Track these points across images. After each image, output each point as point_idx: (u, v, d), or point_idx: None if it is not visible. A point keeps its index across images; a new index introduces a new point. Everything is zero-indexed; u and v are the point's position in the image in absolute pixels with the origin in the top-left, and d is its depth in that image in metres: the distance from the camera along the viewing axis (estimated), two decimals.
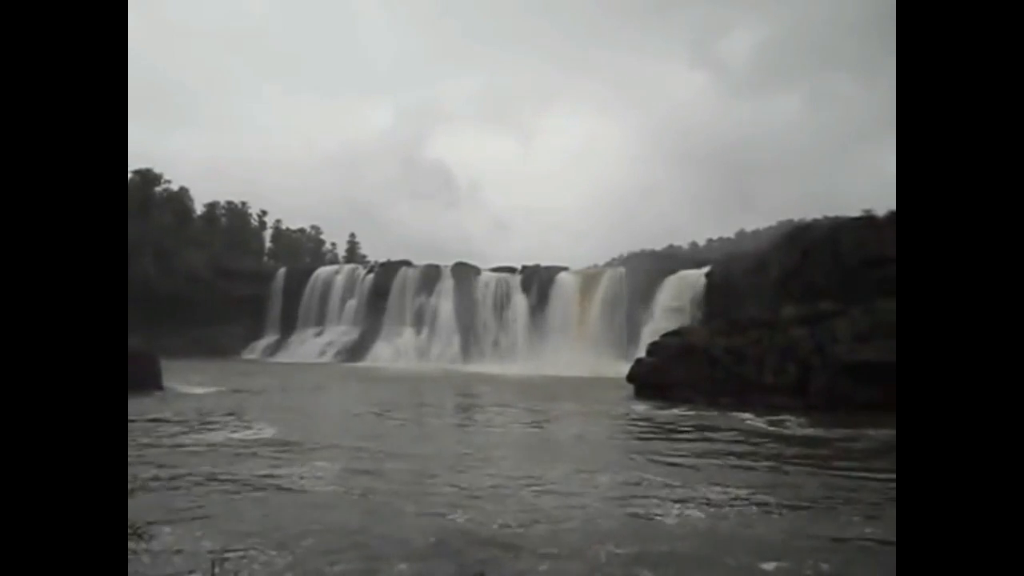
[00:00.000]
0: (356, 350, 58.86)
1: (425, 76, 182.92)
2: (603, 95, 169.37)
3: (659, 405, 24.39)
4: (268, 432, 16.23)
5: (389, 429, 18.11)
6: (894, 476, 12.85)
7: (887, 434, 16.66)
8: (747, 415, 21.14)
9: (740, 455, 14.43)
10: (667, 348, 28.49)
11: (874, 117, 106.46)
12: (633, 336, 44.06)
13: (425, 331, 58.29)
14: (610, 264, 61.74)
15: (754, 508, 9.89)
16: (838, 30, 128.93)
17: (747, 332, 26.76)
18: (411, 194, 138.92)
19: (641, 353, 31.03)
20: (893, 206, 33.46)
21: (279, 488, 10.62)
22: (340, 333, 62.01)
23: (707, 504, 10.01)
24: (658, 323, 40.42)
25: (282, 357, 58.42)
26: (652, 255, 60.24)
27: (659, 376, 27.34)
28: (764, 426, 19.10)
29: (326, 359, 57.47)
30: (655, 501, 10.13)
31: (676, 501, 10.12)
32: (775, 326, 25.94)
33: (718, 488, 10.99)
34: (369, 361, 55.69)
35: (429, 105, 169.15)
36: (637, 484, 11.39)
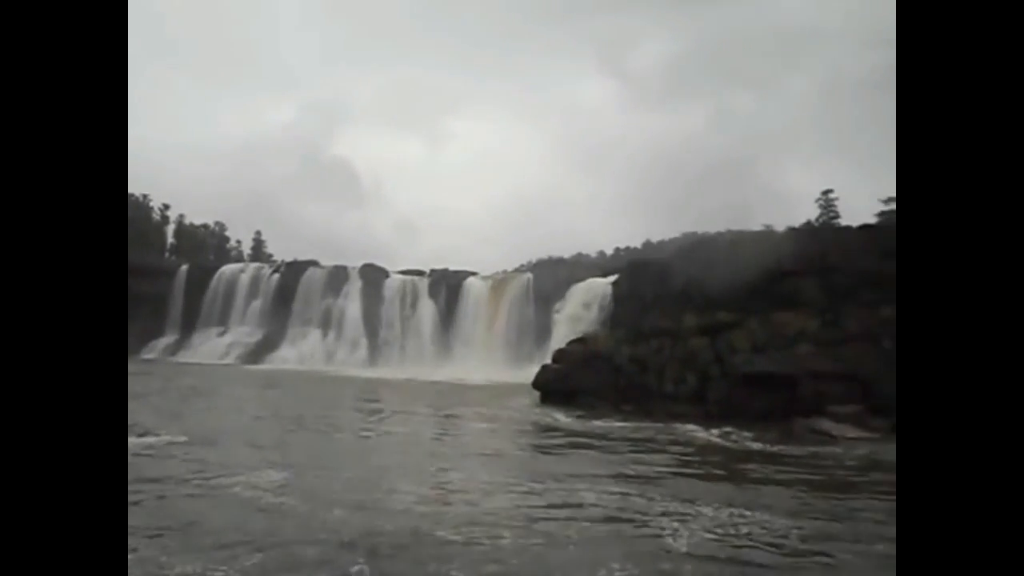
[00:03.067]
0: (260, 351, 56.75)
1: (332, 72, 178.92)
2: (512, 100, 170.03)
3: (563, 412, 23.85)
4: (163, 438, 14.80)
5: (287, 438, 16.73)
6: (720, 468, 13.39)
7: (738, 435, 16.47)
8: (646, 423, 20.80)
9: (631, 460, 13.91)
10: (572, 355, 28.18)
11: (774, 135, 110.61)
12: (540, 343, 43.77)
13: (332, 334, 56.47)
14: (518, 270, 61.27)
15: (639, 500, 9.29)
16: (741, 49, 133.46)
17: (650, 341, 26.61)
18: (316, 192, 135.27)
19: (548, 359, 30.53)
20: (791, 221, 34.25)
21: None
22: (244, 333, 59.56)
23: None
24: (565, 330, 40.06)
25: (183, 357, 55.67)
26: (560, 262, 60.39)
27: (564, 383, 26.99)
28: (662, 436, 18.70)
29: (229, 360, 55.23)
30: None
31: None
32: (677, 336, 25.83)
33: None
34: (274, 363, 53.77)
35: (335, 101, 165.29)
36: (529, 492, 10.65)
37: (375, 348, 54.40)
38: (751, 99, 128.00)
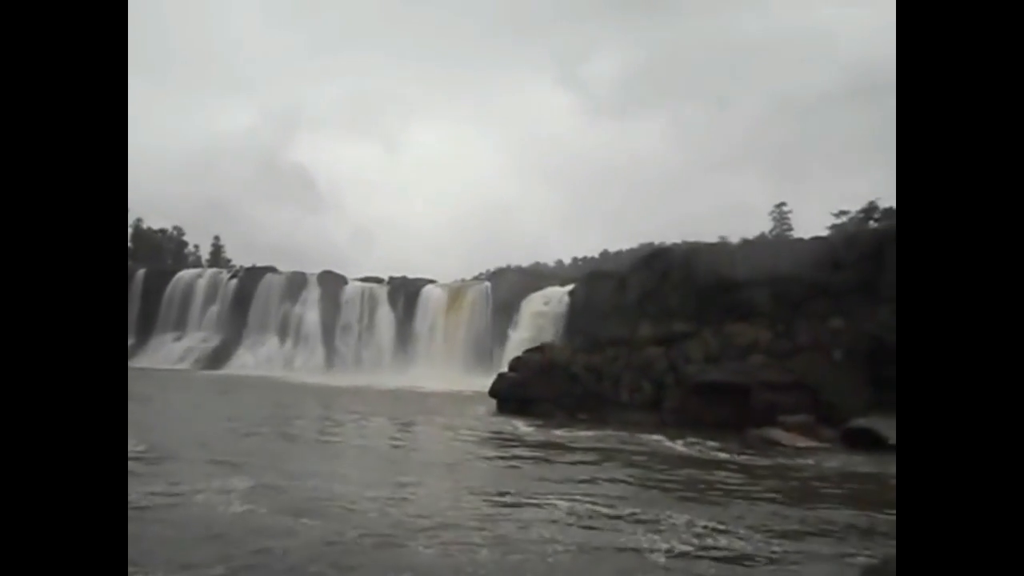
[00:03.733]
0: (217, 357, 56.27)
1: (292, 76, 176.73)
2: (471, 108, 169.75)
3: (521, 421, 23.63)
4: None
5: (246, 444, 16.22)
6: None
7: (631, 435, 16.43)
8: (608, 432, 20.67)
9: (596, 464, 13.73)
10: (529, 364, 28.02)
11: (728, 147, 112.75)
12: (498, 351, 43.78)
13: (290, 340, 56.14)
14: (477, 278, 61.14)
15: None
16: (696, 63, 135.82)
17: (606, 350, 26.61)
18: (275, 198, 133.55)
19: (505, 368, 30.38)
20: (746, 233, 34.73)
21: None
22: (200, 339, 59.18)
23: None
24: (522, 339, 40.07)
25: (138, 362, 54.51)
26: (518, 271, 60.53)
27: (520, 391, 26.81)
28: (622, 445, 18.61)
29: (184, 365, 54.69)
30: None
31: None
32: (632, 345, 25.86)
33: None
34: (230, 369, 53.26)
35: (294, 106, 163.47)
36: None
37: (332, 355, 54.13)
38: (705, 113, 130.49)
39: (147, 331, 59.82)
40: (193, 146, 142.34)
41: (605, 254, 73.85)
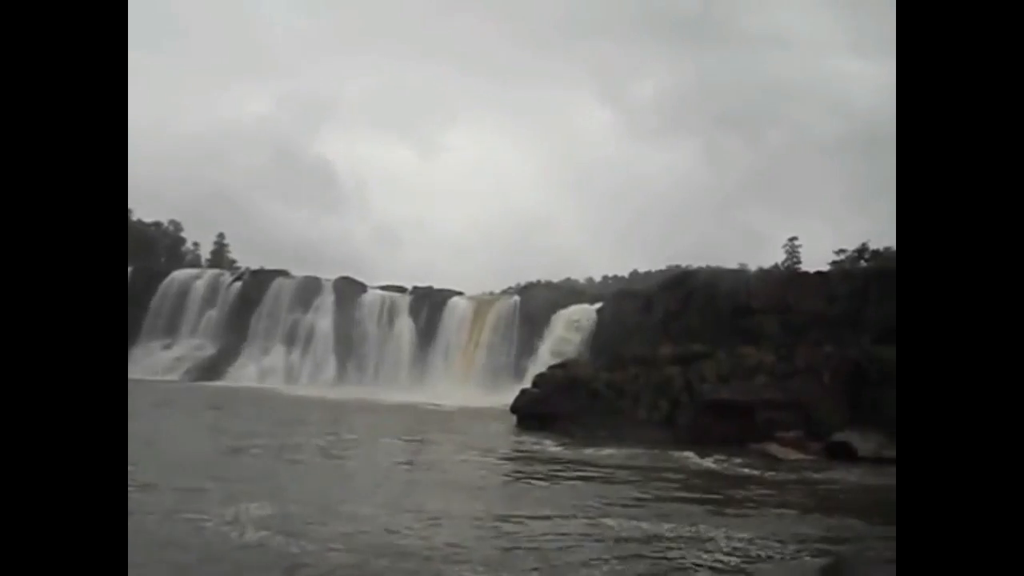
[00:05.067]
0: (213, 367, 59.62)
1: (318, 64, 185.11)
2: (509, 117, 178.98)
3: (546, 438, 28.39)
4: None
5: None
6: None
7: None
8: (639, 450, 25.23)
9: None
10: (552, 380, 34.32)
11: (754, 178, 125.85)
12: (524, 367, 49.02)
13: (297, 350, 60.08)
14: (506, 292, 67.12)
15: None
16: (731, 94, 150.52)
17: (628, 368, 33.29)
18: (291, 193, 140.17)
19: (528, 384, 36.66)
20: (763, 262, 42.21)
21: None
22: (194, 347, 62.31)
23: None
24: (550, 354, 46.08)
25: None
26: (549, 286, 66.59)
27: (541, 407, 32.95)
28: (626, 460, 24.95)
29: (174, 376, 57.23)
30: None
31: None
32: (653, 364, 32.61)
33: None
34: (228, 380, 56.69)
35: (319, 95, 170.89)
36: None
37: (344, 367, 58.95)
38: (737, 143, 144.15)
39: (133, 337, 60.15)
40: (198, 129, 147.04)
41: (635, 274, 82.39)
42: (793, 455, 25.36)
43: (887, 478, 20.13)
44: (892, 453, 24.17)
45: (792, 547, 11.59)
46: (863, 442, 24.21)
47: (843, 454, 24.44)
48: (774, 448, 25.99)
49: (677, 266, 54.63)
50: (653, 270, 74.31)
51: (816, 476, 21.10)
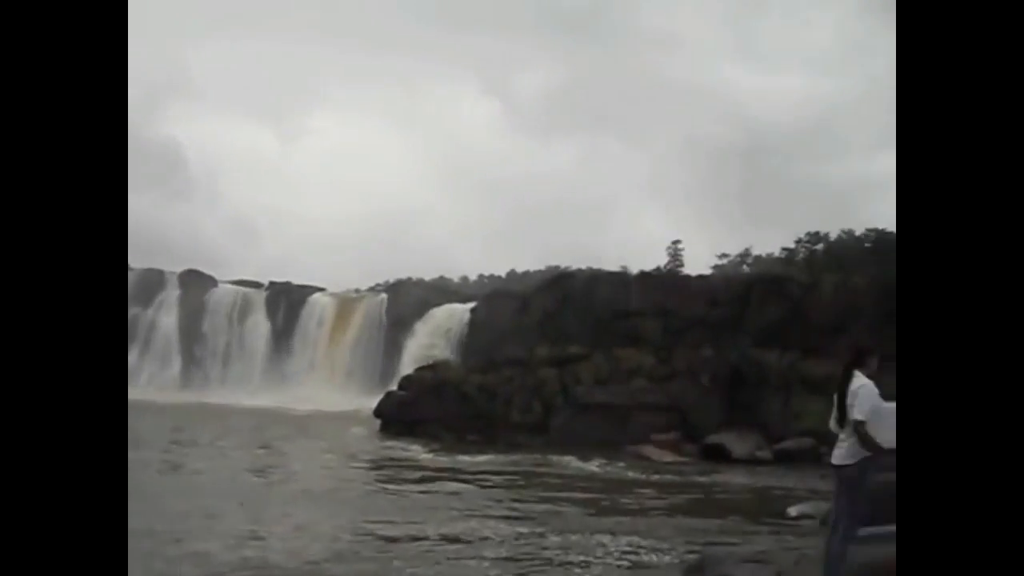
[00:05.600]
0: None
1: (165, 40, 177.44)
2: (381, 105, 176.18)
3: (413, 444, 28.81)
4: None
5: None
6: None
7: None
8: (518, 455, 25.81)
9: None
10: (420, 382, 34.75)
11: (635, 180, 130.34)
12: (390, 369, 49.09)
13: (136, 350, 57.86)
14: (373, 289, 66.74)
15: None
16: (616, 94, 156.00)
17: (501, 370, 33.95)
18: (131, 176, 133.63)
19: (395, 387, 36.90)
20: (644, 265, 43.84)
21: None
22: None
23: None
24: (416, 357, 45.98)
25: None
26: (421, 284, 66.33)
27: (408, 412, 33.40)
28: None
29: None
30: None
31: None
32: (528, 366, 33.28)
33: None
34: None
35: (163, 67, 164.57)
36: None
37: (191, 369, 57.70)
38: (623, 144, 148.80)
39: None
40: None
41: (512, 274, 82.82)
42: (668, 457, 26.48)
43: (762, 478, 21.56)
44: (767, 455, 25.83)
45: (682, 548, 12.06)
46: (739, 444, 25.57)
47: (717, 455, 25.68)
48: (649, 450, 27.05)
49: (556, 267, 55.66)
50: (532, 270, 75.36)
51: (700, 479, 22.19)
